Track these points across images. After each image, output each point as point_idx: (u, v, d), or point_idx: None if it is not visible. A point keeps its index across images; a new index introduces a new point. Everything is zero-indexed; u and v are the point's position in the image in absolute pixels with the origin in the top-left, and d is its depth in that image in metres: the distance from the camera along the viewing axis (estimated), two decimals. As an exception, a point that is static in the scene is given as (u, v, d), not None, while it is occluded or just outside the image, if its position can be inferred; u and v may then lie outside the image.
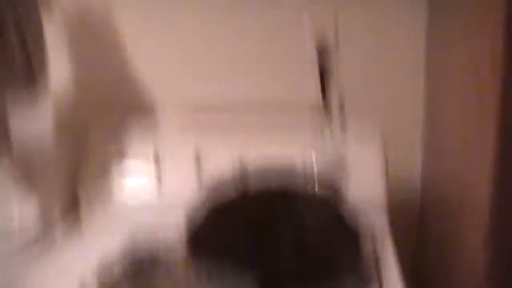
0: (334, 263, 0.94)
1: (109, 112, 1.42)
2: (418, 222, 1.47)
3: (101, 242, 1.18)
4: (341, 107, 1.33)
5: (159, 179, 1.31)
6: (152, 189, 1.31)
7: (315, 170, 1.24)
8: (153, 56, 1.44)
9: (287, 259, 0.95)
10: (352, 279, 0.94)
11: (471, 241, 0.92)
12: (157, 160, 1.32)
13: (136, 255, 1.07)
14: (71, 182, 1.34)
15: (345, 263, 0.96)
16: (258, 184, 1.15)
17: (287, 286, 0.93)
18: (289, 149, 1.28)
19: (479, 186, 0.89)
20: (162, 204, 1.29)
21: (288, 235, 1.01)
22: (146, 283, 0.99)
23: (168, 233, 1.15)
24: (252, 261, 0.99)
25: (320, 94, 1.32)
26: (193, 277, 1.01)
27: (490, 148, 0.84)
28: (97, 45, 1.43)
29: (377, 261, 1.08)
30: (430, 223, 1.34)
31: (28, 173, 1.32)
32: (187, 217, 1.11)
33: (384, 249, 1.13)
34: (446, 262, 1.13)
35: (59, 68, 1.35)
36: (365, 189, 1.23)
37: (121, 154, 1.34)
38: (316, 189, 1.19)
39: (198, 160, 1.30)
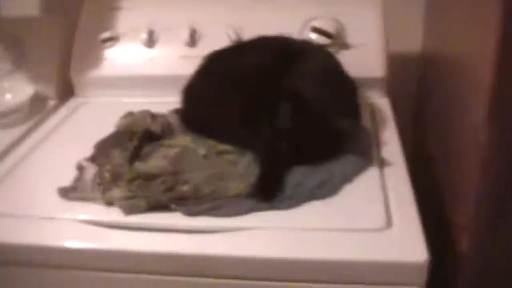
0: (331, 111, 0.94)
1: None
2: (417, 98, 1.47)
3: (94, 122, 1.17)
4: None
5: (152, 55, 1.26)
6: (146, 65, 1.27)
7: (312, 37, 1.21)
8: None
9: (285, 111, 0.94)
10: (348, 124, 0.96)
11: (474, 117, 0.90)
12: (150, 36, 1.26)
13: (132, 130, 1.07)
14: (64, 69, 1.30)
15: (343, 110, 0.97)
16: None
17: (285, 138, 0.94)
18: (288, 16, 1.24)
19: (481, 67, 0.86)
20: (155, 79, 1.27)
21: (287, 83, 1.00)
22: (141, 158, 1.00)
23: (161, 108, 1.15)
24: (250, 114, 1.00)
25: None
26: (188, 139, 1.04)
27: (493, 27, 0.80)
28: None
29: (375, 128, 1.10)
30: (430, 101, 1.33)
31: (19, 51, 1.29)
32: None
33: (384, 120, 1.14)
34: (446, 138, 1.13)
35: None
36: (364, 59, 1.20)
37: (113, 35, 1.29)
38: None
39: (193, 35, 1.25)
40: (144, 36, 1.26)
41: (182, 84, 1.11)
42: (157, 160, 0.99)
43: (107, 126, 1.10)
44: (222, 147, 1.01)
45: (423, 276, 0.80)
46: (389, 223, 0.84)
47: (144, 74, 1.26)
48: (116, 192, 0.90)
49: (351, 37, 1.21)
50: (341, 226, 0.84)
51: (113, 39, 1.29)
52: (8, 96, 1.24)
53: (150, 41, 1.26)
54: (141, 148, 1.02)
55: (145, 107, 1.15)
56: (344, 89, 1.05)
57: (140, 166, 0.97)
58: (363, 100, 1.15)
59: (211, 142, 1.03)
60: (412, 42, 1.44)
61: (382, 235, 0.83)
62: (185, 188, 0.91)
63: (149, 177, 0.93)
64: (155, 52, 1.27)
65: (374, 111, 1.16)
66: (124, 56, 1.28)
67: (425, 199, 0.97)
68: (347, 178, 0.93)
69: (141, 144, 1.03)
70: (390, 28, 1.23)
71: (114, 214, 0.89)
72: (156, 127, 1.08)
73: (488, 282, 0.98)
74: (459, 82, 1.03)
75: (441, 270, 0.89)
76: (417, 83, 1.47)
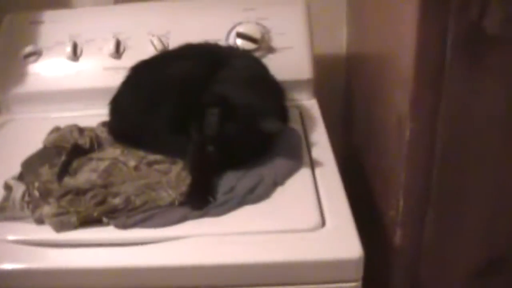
0: (258, 114, 0.94)
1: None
2: (344, 98, 1.49)
3: (21, 140, 1.14)
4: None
5: (77, 68, 1.23)
6: (71, 79, 1.24)
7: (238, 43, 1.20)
8: None
9: (212, 117, 0.94)
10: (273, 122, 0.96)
11: (397, 112, 0.93)
12: (74, 49, 1.23)
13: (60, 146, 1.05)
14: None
15: (270, 112, 0.97)
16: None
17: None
18: (213, 23, 1.23)
19: (402, 64, 0.88)
20: (81, 92, 1.24)
21: (214, 89, 1.00)
22: (70, 173, 0.98)
23: (90, 121, 1.12)
24: (178, 122, 1.00)
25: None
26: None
27: (410, 25, 0.83)
28: None
29: (305, 129, 1.11)
30: (357, 100, 1.36)
31: None
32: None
33: (313, 121, 1.14)
34: (373, 135, 1.15)
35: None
36: (291, 62, 1.20)
37: (35, 49, 1.25)
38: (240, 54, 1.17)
39: (118, 46, 1.23)
40: (68, 49, 1.23)
41: (109, 96, 1.09)
42: (86, 174, 0.96)
43: (34, 143, 1.07)
44: (152, 157, 1.00)
45: (359, 272, 0.80)
46: (323, 222, 0.85)
47: (69, 87, 1.23)
48: (46, 209, 0.87)
49: (276, 41, 1.21)
50: (275, 228, 0.84)
51: (36, 54, 1.24)
52: None
53: (74, 54, 1.23)
54: (70, 163, 1.00)
55: (72, 121, 1.12)
56: (271, 92, 1.06)
57: (70, 181, 0.95)
58: (291, 103, 1.17)
59: (141, 153, 1.01)
60: (337, 43, 1.47)
61: (316, 234, 0.83)
62: (116, 200, 0.89)
63: (79, 192, 0.91)
64: (80, 65, 1.23)
65: (302, 113, 1.17)
66: (48, 70, 1.24)
67: (357, 195, 0.99)
68: (279, 180, 0.93)
69: (69, 159, 1.00)
70: (315, 31, 1.24)
71: (46, 232, 0.86)
72: (84, 141, 1.05)
73: (422, 272, 1.00)
74: (383, 80, 1.05)
75: (377, 264, 0.91)
76: (344, 83, 1.49)
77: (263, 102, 0.98)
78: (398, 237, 0.97)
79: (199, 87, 0.99)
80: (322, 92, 1.26)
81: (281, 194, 0.92)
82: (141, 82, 1.08)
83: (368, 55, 1.23)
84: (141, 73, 1.09)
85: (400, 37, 0.90)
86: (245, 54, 1.16)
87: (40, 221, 0.87)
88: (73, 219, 0.86)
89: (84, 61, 1.24)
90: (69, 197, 0.90)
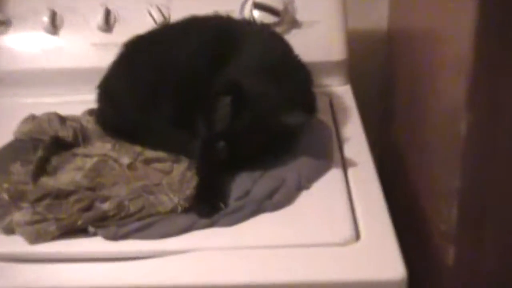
0: (279, 105, 0.96)
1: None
2: (383, 83, 1.50)
3: None
4: None
5: (57, 44, 1.25)
6: (49, 56, 1.26)
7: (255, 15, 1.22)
8: None
9: (223, 108, 0.95)
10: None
11: (450, 102, 0.93)
12: (53, 20, 1.25)
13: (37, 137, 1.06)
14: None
15: (293, 102, 0.98)
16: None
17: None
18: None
19: (459, 43, 0.88)
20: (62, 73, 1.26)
21: (225, 74, 1.02)
22: (49, 172, 0.99)
23: (73, 109, 1.14)
24: (183, 112, 1.02)
25: None
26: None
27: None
28: None
29: (336, 121, 1.13)
30: (398, 86, 1.36)
31: None
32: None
33: (346, 111, 1.16)
34: (418, 128, 1.16)
35: None
36: (320, 40, 1.22)
37: (3, 19, 1.26)
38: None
39: (107, 17, 1.24)
40: (45, 19, 1.24)
41: (98, 78, 1.10)
42: (69, 174, 0.98)
43: (3, 134, 1.09)
44: (151, 153, 1.01)
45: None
46: (357, 235, 0.86)
47: (48, 67, 1.25)
48: (18, 216, 0.89)
49: (302, 13, 1.23)
50: (299, 242, 0.85)
51: (5, 24, 1.26)
52: None
53: (53, 26, 1.24)
54: (48, 159, 1.01)
55: (52, 109, 1.14)
56: (295, 77, 1.07)
57: (48, 182, 0.96)
58: (319, 89, 1.17)
59: (137, 149, 1.02)
60: (376, 17, 1.47)
61: (349, 250, 0.84)
62: (106, 206, 0.90)
63: (60, 195, 0.92)
64: (60, 39, 1.25)
65: (333, 102, 1.18)
66: (20, 44, 1.26)
67: (398, 202, 0.99)
68: (303, 183, 0.95)
69: (48, 155, 1.02)
70: (349, 1, 1.25)
71: (17, 244, 0.87)
72: (66, 133, 1.07)
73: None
74: (432, 63, 1.06)
75: (421, 281, 0.92)
76: (384, 66, 1.50)
77: (285, 89, 1.00)
78: (450, 256, 0.97)
79: (208, 71, 1.01)
80: (358, 77, 1.27)
81: (306, 200, 0.93)
82: (137, 63, 1.10)
83: (414, 33, 1.23)
84: (137, 52, 1.11)
85: (456, 11, 0.90)
86: (264, 30, 1.17)
87: (9, 231, 0.88)
88: (52, 228, 0.87)
89: (66, 35, 1.25)
90: (47, 201, 0.91)
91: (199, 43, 1.08)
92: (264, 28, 1.18)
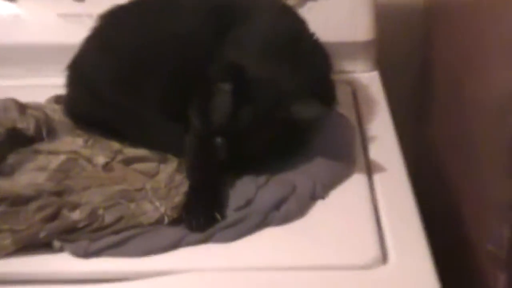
0: (290, 94, 0.97)
1: None
2: (418, 69, 1.50)
3: None
4: None
5: (16, 13, 1.27)
6: (7, 29, 1.28)
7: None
8: None
9: (223, 97, 0.96)
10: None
11: (500, 88, 0.94)
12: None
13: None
14: None
15: (308, 91, 0.99)
16: None
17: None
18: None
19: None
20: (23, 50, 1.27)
21: (225, 55, 1.02)
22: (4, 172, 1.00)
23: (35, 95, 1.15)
24: (173, 100, 1.02)
25: None
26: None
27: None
28: None
29: (360, 116, 1.14)
30: (437, 72, 1.36)
31: None
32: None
33: (373, 104, 1.18)
34: (460, 122, 1.16)
35: None
36: (342, 16, 1.24)
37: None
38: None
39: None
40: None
41: (67, 57, 1.11)
42: (30, 175, 0.99)
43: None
44: (132, 151, 1.02)
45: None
46: (384, 256, 0.87)
47: (4, 42, 1.26)
48: (-37, 227, 0.90)
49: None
50: (313, 264, 0.86)
51: None
52: None
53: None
54: (4, 156, 1.02)
55: (9, 94, 1.14)
56: (309, 61, 1.07)
57: (3, 184, 0.97)
58: (340, 76, 1.19)
59: (115, 145, 1.03)
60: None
61: (375, 274, 0.85)
62: (75, 215, 0.91)
63: (17, 201, 0.93)
64: (20, 8, 1.26)
65: (357, 92, 1.20)
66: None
67: (434, 215, 0.99)
68: (319, 191, 0.96)
69: (3, 152, 1.02)
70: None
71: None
72: (26, 124, 1.08)
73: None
74: (481, 45, 1.06)
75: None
76: (420, 48, 1.51)
77: (298, 75, 1.00)
78: (500, 283, 0.98)
79: (204, 51, 1.02)
80: (387, 61, 1.29)
81: (322, 212, 0.94)
82: (116, 39, 1.10)
83: (459, 6, 1.23)
84: (116, 25, 1.12)
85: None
86: (273, 2, 1.18)
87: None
88: (7, 241, 0.88)
89: (28, 3, 1.26)
90: (1, 208, 0.92)
91: (193, 16, 1.08)
92: (275, 1, 1.19)
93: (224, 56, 1.02)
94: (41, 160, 1.02)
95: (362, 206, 0.95)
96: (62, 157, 1.02)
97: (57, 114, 1.11)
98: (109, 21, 1.12)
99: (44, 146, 1.05)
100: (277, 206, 0.93)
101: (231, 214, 0.92)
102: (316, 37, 1.12)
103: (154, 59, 1.05)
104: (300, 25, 1.13)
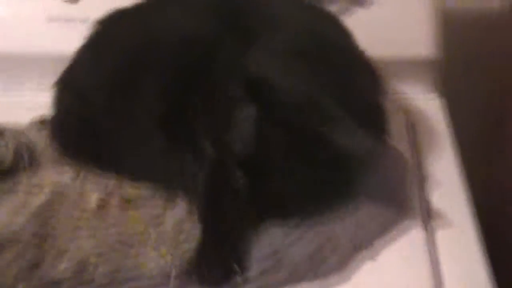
0: (329, 118, 0.96)
1: None
2: (494, 97, 1.50)
3: None
4: None
5: None
6: None
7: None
8: None
9: (244, 120, 0.97)
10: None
11: None
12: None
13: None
14: None
15: (351, 116, 0.97)
16: None
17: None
18: None
19: None
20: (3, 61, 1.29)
21: (243, 66, 1.01)
22: None
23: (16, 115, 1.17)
24: (180, 121, 1.03)
25: None
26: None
27: None
28: None
29: (418, 152, 1.15)
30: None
31: None
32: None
33: (435, 137, 1.19)
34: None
35: None
36: (396, 25, 1.26)
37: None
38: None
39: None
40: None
41: (56, 70, 1.13)
42: (6, 215, 1.00)
43: None
44: (132, 189, 1.04)
45: None
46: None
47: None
48: None
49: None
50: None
51: None
52: None
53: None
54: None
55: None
56: (354, 81, 1.07)
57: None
58: (393, 102, 1.20)
59: (111, 180, 1.05)
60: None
61: None
62: (62, 265, 0.93)
63: (-10, 248, 0.95)
64: (2, 10, 1.29)
65: (415, 121, 1.21)
66: None
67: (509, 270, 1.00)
68: (362, 241, 0.97)
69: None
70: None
71: None
72: (3, 152, 1.09)
73: None
74: None
75: None
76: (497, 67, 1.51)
77: (339, 99, 1.00)
78: None
79: (217, 62, 1.03)
80: (455, 84, 1.29)
81: (368, 268, 0.95)
82: (115, 47, 1.12)
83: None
84: (115, 32, 1.14)
85: None
86: (307, 6, 1.20)
87: None
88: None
89: (8, 2, 1.30)
90: (-31, 256, 0.94)
91: (203, 23, 1.10)
92: (309, 3, 1.20)
93: (244, 66, 1.01)
94: (20, 196, 1.03)
95: (417, 258, 0.96)
96: (47, 193, 1.03)
97: (42, 139, 1.13)
98: (107, 27, 1.14)
99: (24, 179, 1.07)
100: (312, 257, 0.94)
101: (253, 265, 0.93)
102: (363, 51, 1.12)
103: (157, 69, 1.06)
104: (343, 36, 1.14)
